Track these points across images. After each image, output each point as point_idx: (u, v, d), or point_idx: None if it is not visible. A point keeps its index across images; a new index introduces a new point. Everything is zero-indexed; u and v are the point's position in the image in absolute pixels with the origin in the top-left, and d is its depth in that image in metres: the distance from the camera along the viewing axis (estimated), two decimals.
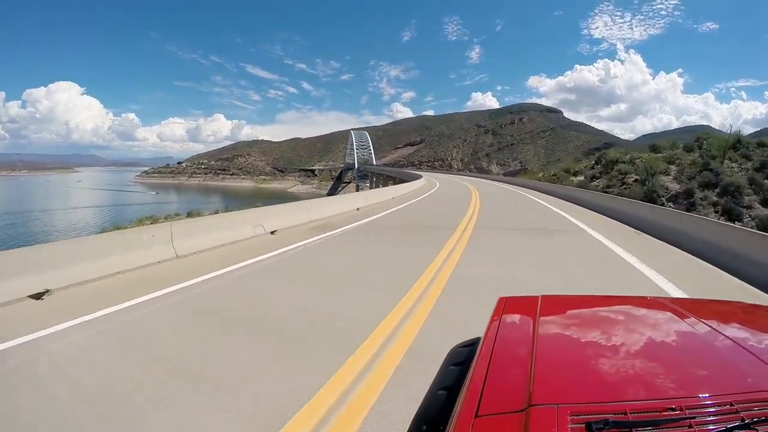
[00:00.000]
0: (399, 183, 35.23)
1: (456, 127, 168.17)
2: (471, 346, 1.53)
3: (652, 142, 36.43)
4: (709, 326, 1.40)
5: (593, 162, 38.73)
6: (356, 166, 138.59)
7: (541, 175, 50.51)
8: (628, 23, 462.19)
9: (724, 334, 1.33)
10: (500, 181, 48.13)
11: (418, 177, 40.56)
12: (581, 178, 35.10)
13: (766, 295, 5.41)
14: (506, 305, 1.67)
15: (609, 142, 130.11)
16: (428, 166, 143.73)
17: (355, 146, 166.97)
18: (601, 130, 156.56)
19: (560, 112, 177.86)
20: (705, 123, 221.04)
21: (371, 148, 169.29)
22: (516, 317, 1.58)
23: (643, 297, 1.90)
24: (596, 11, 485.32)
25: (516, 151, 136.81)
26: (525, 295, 1.83)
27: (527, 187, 32.69)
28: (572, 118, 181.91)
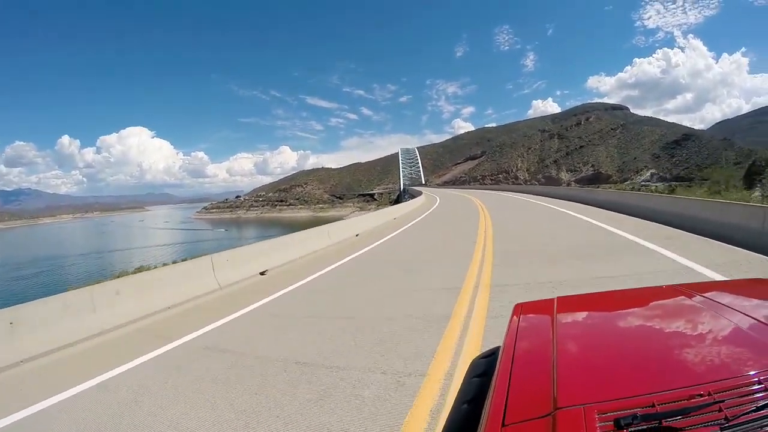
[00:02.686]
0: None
1: (519, 135, 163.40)
2: (491, 356, 1.51)
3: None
4: (728, 307, 1.38)
5: None
6: (401, 187, 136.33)
7: None
8: (680, 8, 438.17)
9: (744, 314, 1.31)
10: (585, 206, 18.99)
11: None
12: None
13: None
14: (522, 311, 1.65)
15: (687, 133, 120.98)
16: (491, 179, 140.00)
17: (401, 165, 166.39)
18: (673, 123, 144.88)
19: (626, 109, 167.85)
20: None
21: (420, 165, 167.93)
22: (533, 322, 1.56)
23: (658, 287, 1.87)
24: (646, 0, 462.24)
25: (586, 154, 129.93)
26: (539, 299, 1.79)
27: None
28: (639, 114, 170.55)
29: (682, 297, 1.60)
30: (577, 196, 23.32)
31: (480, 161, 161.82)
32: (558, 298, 1.72)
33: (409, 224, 17.67)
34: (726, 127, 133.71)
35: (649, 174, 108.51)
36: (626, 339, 1.38)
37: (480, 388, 1.33)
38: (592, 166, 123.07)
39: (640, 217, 12.97)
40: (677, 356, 1.17)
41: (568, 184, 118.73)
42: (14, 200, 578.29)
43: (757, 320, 1.24)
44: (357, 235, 14.35)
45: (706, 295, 1.55)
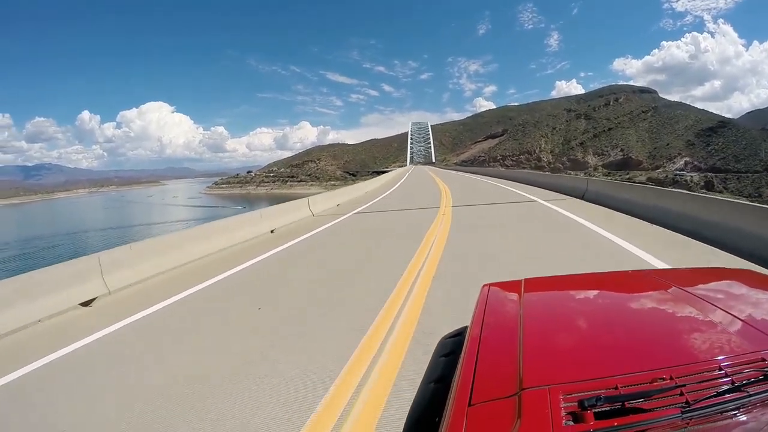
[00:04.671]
0: None
1: (542, 115, 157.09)
2: (458, 336, 1.53)
3: None
4: (693, 294, 1.41)
5: None
6: (407, 165, 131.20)
7: None
8: None
9: (708, 301, 1.34)
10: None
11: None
12: None
13: None
14: (490, 291, 1.66)
15: (723, 121, 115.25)
16: (512, 160, 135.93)
17: (409, 141, 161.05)
18: (703, 109, 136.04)
19: (655, 92, 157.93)
20: None
21: (431, 141, 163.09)
22: (501, 303, 1.57)
23: (624, 271, 1.93)
24: None
25: (615, 136, 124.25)
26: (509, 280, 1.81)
27: None
28: (668, 99, 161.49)
29: (649, 282, 1.64)
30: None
31: (501, 140, 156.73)
32: (525, 279, 1.73)
33: None
34: (759, 117, 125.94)
35: (683, 162, 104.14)
36: (592, 322, 1.40)
37: (447, 367, 1.34)
38: (621, 150, 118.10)
39: None
40: (642, 340, 1.20)
41: (595, 169, 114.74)
42: (35, 175, 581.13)
43: (722, 309, 1.26)
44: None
45: (673, 281, 1.58)
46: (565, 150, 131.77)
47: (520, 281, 1.70)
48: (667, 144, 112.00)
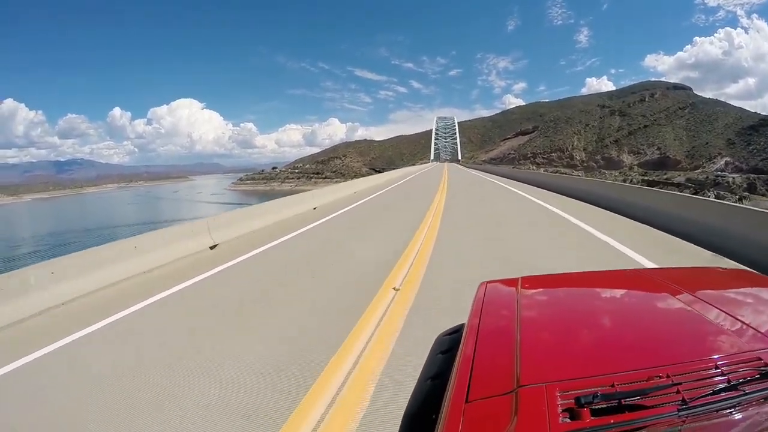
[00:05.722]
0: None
1: (575, 111, 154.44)
2: (456, 333, 1.54)
3: None
4: (690, 293, 1.41)
5: None
6: (431, 160, 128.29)
7: None
8: None
9: (705, 300, 1.34)
10: None
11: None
12: None
13: None
14: (487, 289, 1.66)
15: (765, 119, 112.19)
16: (543, 158, 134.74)
17: (433, 136, 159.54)
18: (740, 107, 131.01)
19: (689, 89, 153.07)
20: None
21: (457, 137, 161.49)
22: (498, 300, 1.57)
23: (620, 270, 1.95)
24: None
25: (651, 134, 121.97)
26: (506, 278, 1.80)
27: None
28: (703, 96, 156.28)
29: (646, 281, 1.65)
30: None
31: (531, 137, 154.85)
32: (523, 277, 1.73)
33: None
34: None
35: (723, 162, 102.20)
36: (589, 320, 1.40)
37: (444, 364, 1.34)
38: (658, 148, 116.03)
39: None
40: (638, 338, 1.20)
41: (631, 168, 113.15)
42: (67, 170, 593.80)
43: (719, 309, 1.27)
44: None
45: (669, 280, 1.58)
46: (599, 148, 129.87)
47: (517, 279, 1.71)
48: (706, 143, 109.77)
